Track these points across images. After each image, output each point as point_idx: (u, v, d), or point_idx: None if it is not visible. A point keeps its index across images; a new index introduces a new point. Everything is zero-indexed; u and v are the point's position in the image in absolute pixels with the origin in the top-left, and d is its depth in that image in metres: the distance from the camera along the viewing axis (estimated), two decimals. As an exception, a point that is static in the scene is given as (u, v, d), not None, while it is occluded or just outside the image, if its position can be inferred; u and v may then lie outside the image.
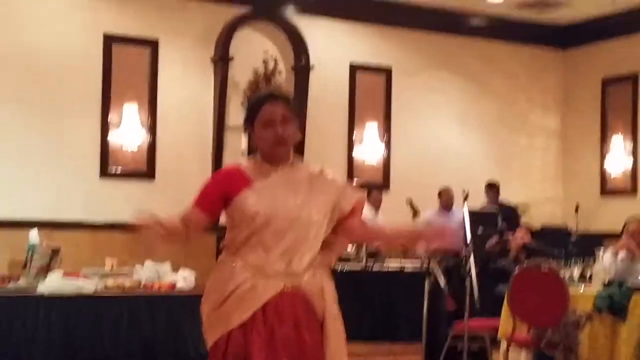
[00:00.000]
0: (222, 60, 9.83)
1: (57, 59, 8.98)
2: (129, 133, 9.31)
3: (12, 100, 8.75)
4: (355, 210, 3.41)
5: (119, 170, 9.26)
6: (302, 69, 10.29)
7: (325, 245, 3.37)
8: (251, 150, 8.19)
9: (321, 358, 3.30)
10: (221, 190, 3.30)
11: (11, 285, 7.46)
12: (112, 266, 8.21)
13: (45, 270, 7.62)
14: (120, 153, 9.28)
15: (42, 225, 8.29)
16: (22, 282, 7.54)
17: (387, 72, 10.88)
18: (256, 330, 3.19)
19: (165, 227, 3.15)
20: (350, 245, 3.35)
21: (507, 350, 6.02)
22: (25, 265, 7.87)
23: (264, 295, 3.19)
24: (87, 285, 7.50)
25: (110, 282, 7.76)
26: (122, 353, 7.28)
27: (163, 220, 3.16)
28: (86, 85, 9.12)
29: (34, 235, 7.99)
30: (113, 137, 9.24)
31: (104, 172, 9.18)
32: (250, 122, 3.29)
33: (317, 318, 3.31)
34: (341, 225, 3.39)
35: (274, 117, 3.21)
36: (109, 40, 9.26)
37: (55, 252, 7.77)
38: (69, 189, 8.93)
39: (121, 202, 9.09)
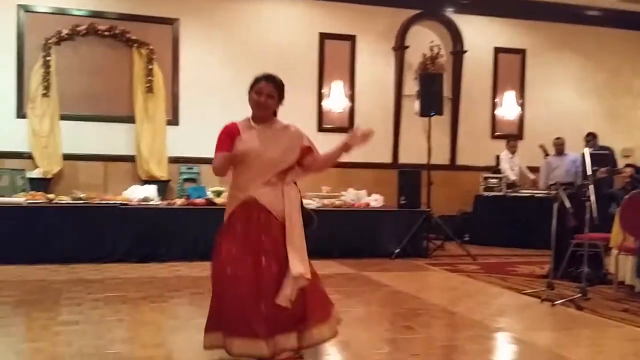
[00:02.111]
0: (400, 49, 9.89)
1: (288, 50, 9.31)
2: (336, 101, 9.61)
3: (259, 79, 9.23)
4: (309, 150, 3.61)
5: (330, 126, 9.59)
6: (458, 53, 10.22)
7: (287, 171, 3.54)
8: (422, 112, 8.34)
9: (277, 250, 3.44)
10: (228, 138, 3.53)
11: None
12: (327, 191, 8.60)
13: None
14: (330, 114, 9.60)
15: (279, 163, 8.81)
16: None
17: (522, 53, 10.59)
18: (230, 224, 3.52)
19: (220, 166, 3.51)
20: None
21: (617, 256, 5.91)
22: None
23: (238, 201, 3.49)
24: (311, 203, 7.92)
25: (326, 201, 8.15)
26: (334, 248, 7.66)
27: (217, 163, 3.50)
28: (308, 68, 9.44)
29: (275, 169, 8.48)
30: (325, 104, 9.57)
31: (320, 127, 9.51)
32: (251, 89, 3.61)
33: (278, 220, 3.46)
34: (302, 160, 3.59)
35: (263, 90, 3.57)
36: (323, 37, 9.52)
37: (289, 181, 8.22)
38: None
39: (331, 147, 9.42)
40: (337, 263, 7.27)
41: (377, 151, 9.69)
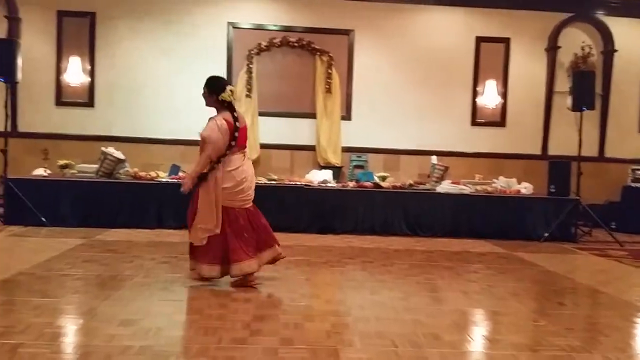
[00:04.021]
0: (552, 49, 9.26)
1: (447, 53, 9.08)
2: (489, 98, 9.23)
3: (421, 80, 9.07)
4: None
5: (481, 121, 9.24)
6: (608, 52, 9.37)
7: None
8: (574, 107, 7.77)
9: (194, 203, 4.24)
10: None
11: (421, 187, 7.94)
12: (479, 179, 8.34)
13: (441, 179, 7.99)
14: (483, 110, 9.24)
15: (437, 153, 8.68)
16: (427, 186, 7.98)
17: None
18: None
19: None
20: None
21: None
22: (428, 176, 8.31)
23: None
24: (465, 188, 7.73)
25: (478, 187, 7.91)
26: (487, 230, 7.42)
27: None
28: (464, 69, 9.15)
29: (434, 158, 8.38)
30: (479, 101, 9.23)
31: (474, 122, 9.18)
32: None
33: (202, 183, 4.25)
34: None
35: None
36: (479, 40, 9.18)
37: (446, 169, 8.08)
38: (452, 132, 9.13)
39: (483, 141, 9.13)
40: (490, 243, 7.06)
41: (527, 143, 9.21)
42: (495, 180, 8.22)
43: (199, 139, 4.24)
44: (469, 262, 5.87)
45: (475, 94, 9.19)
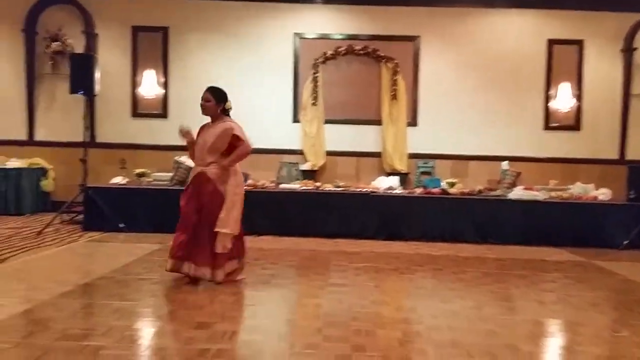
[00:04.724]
0: (628, 50, 8.82)
1: (517, 57, 8.82)
2: (562, 101, 8.90)
3: (490, 85, 8.90)
4: (231, 145, 4.47)
5: (555, 125, 8.91)
6: (690, 51, 8.84)
7: (222, 156, 4.48)
8: None
9: (214, 211, 4.39)
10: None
11: (491, 193, 7.74)
12: (553, 184, 8.05)
13: (512, 185, 7.76)
14: (556, 114, 8.90)
15: (507, 158, 8.44)
16: (497, 192, 7.77)
17: None
18: (187, 190, 4.56)
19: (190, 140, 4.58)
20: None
21: None
22: (499, 182, 8.08)
23: (192, 174, 4.61)
24: (538, 195, 7.48)
25: (553, 194, 7.64)
26: (562, 237, 7.14)
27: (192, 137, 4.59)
28: (535, 72, 8.85)
29: (504, 164, 8.16)
30: (552, 104, 8.91)
31: (546, 126, 8.89)
32: None
33: (218, 190, 4.44)
34: (229, 149, 4.48)
35: (202, 97, 4.58)
36: (551, 43, 8.87)
37: (518, 175, 7.86)
38: (523, 136, 8.85)
39: (557, 145, 8.80)
40: (566, 251, 6.78)
41: (604, 147, 8.80)
42: (570, 186, 7.91)
43: (236, 133, 4.47)
44: (544, 270, 5.66)
45: (547, 97, 8.88)
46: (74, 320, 3.56)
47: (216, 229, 4.37)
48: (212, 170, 4.47)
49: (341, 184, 7.88)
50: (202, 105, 4.56)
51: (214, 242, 4.38)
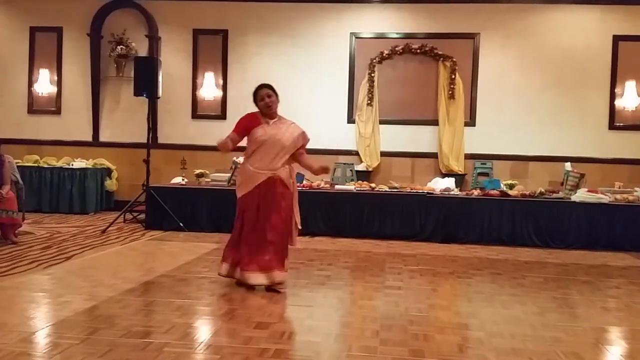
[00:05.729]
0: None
1: (581, 54, 8.54)
2: (629, 100, 8.51)
3: (552, 83, 8.63)
4: (303, 146, 4.41)
5: (620, 124, 8.54)
6: None
7: (290, 157, 4.35)
8: None
9: (289, 210, 4.30)
10: (247, 125, 4.34)
11: (554, 195, 7.50)
12: (619, 187, 7.72)
13: (576, 187, 7.49)
14: (623, 113, 8.55)
15: (570, 159, 8.15)
16: (560, 194, 7.52)
17: None
18: (252, 195, 4.28)
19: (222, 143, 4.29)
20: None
21: None
22: (562, 184, 7.82)
23: (258, 179, 4.26)
24: (603, 197, 7.20)
25: (618, 196, 7.34)
26: (626, 241, 6.84)
27: (221, 140, 4.31)
28: (600, 70, 8.53)
29: (567, 165, 7.88)
30: (618, 103, 8.55)
31: (612, 125, 8.54)
32: (254, 98, 4.36)
33: (289, 190, 4.31)
34: (296, 151, 4.37)
35: (263, 95, 4.32)
36: (616, 39, 8.50)
37: (582, 176, 7.57)
38: (586, 136, 8.54)
39: (623, 146, 8.44)
40: (631, 256, 6.49)
41: (676, 147, 8.40)
42: (637, 188, 7.57)
43: (304, 141, 4.44)
44: (609, 276, 5.43)
45: (613, 96, 8.53)
46: (138, 317, 3.66)
47: (298, 227, 4.39)
48: (286, 173, 4.32)
49: (396, 185, 7.81)
50: (267, 103, 4.28)
51: (277, 244, 4.30)
